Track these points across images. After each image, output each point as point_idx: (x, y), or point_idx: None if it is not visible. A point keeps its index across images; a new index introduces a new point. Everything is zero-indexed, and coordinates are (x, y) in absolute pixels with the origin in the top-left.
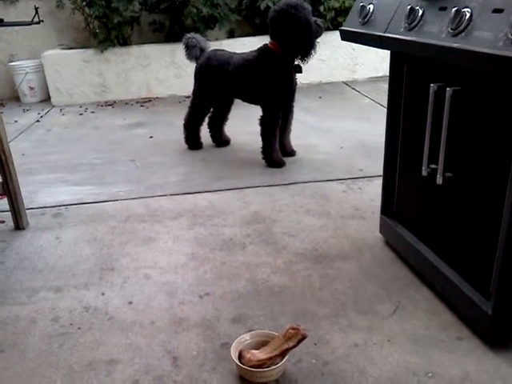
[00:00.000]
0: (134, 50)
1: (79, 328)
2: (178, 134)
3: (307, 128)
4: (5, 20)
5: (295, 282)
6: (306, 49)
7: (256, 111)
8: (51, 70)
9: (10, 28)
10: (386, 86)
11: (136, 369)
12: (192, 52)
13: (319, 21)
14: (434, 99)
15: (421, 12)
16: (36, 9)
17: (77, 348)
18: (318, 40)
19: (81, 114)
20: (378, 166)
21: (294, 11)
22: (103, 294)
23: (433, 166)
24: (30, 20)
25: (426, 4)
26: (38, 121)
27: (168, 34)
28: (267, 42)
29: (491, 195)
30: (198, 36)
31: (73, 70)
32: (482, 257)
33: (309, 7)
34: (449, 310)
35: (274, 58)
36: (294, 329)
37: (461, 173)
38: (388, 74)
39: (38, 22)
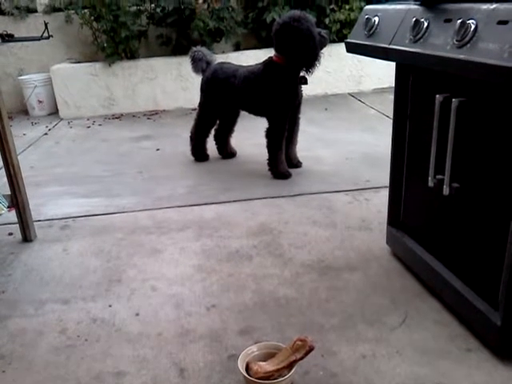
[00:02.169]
0: (142, 63)
1: (86, 340)
2: (185, 146)
3: (313, 139)
4: (15, 35)
5: (302, 294)
6: (310, 60)
7: (262, 123)
8: (59, 84)
9: (20, 43)
10: (391, 97)
11: (143, 381)
12: (198, 65)
13: (323, 32)
14: (440, 110)
15: (426, 24)
16: (45, 24)
17: (84, 360)
18: (322, 51)
19: (88, 127)
20: (384, 176)
21: (296, 24)
22: (110, 306)
23: (439, 176)
24: (40, 35)
25: (431, 16)
26: (46, 134)
27: (175, 48)
28: (273, 54)
29: (498, 205)
30: (204, 49)
31: (81, 83)
32: (489, 267)
33: (312, 19)
34: (457, 320)
35: (278, 70)
36: (301, 340)
37: (468, 183)
38: (394, 85)
39: (48, 37)
